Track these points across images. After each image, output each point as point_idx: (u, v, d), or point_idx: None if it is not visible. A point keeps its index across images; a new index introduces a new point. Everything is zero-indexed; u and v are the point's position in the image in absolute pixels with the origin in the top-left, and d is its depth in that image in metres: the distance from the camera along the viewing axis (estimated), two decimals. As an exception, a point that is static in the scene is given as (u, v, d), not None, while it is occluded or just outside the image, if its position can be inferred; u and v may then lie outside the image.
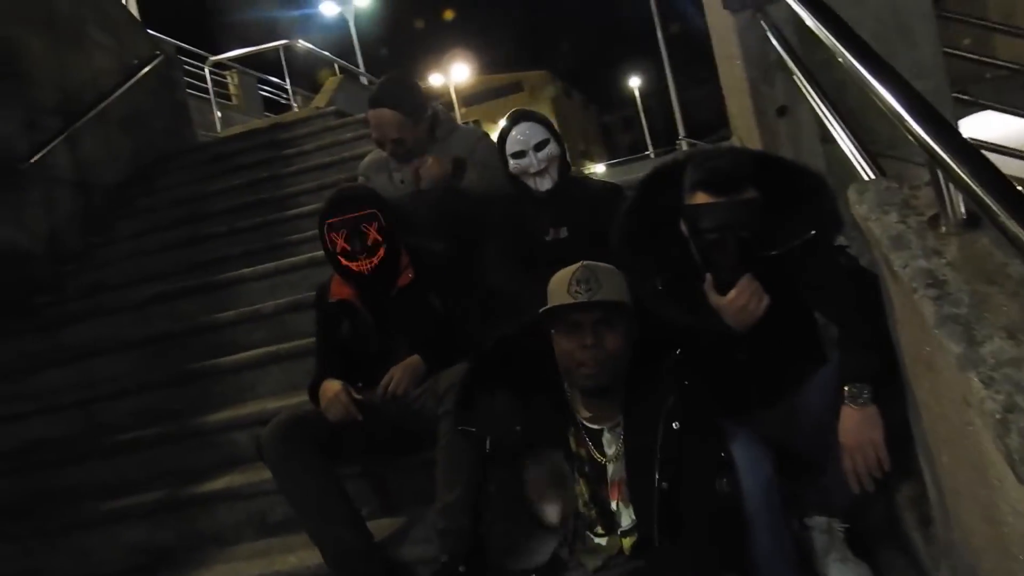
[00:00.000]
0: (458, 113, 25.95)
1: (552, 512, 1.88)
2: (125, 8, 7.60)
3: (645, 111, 38.38)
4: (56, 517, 3.11)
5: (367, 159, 3.57)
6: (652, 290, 2.14)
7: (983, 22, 4.01)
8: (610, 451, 1.97)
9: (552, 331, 1.97)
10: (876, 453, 1.84)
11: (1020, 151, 3.90)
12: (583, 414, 2.00)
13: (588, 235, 2.76)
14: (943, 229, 1.57)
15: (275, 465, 2.41)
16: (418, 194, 3.19)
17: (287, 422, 2.44)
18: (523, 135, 2.92)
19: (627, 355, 1.95)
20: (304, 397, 2.74)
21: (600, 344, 1.90)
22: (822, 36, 2.10)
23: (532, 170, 2.89)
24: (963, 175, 1.40)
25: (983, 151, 1.46)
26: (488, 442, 1.96)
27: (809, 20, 2.24)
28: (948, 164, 1.45)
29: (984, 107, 4.24)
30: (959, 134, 1.54)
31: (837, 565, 2.01)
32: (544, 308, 1.94)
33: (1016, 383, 1.21)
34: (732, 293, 2.02)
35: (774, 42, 2.95)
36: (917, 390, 1.68)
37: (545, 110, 40.32)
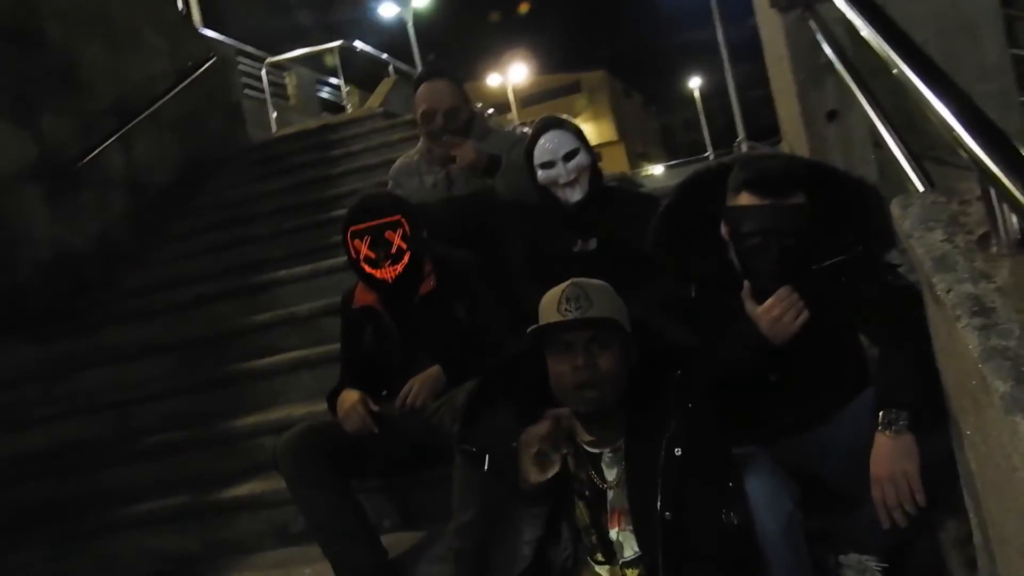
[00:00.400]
0: (515, 113, 25.87)
1: (534, 471, 1.75)
2: (179, 11, 7.70)
3: (705, 112, 37.79)
4: (85, 521, 3.13)
5: (397, 163, 3.50)
6: (684, 296, 2.07)
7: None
8: (611, 476, 1.85)
9: (545, 354, 1.86)
10: (909, 485, 1.69)
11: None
12: (583, 437, 1.88)
13: (617, 247, 2.64)
14: (993, 250, 1.42)
15: (289, 478, 2.38)
16: (448, 201, 3.12)
17: (302, 434, 2.40)
18: (552, 144, 2.77)
19: (623, 375, 1.83)
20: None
21: (593, 364, 1.79)
22: (868, 35, 1.95)
23: (561, 181, 2.75)
24: (1017, 192, 1.26)
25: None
26: (487, 460, 1.86)
27: (855, 18, 2.09)
28: (1000, 180, 1.30)
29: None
30: (1014, 146, 1.38)
31: (873, 610, 1.86)
32: (532, 328, 1.84)
33: (1069, 429, 1.07)
34: (768, 302, 1.91)
35: (823, 44, 2.80)
36: (963, 425, 1.53)
37: (604, 111, 40.15)
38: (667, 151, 47.43)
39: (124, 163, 5.98)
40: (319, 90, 12.62)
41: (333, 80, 12.42)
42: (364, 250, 2.55)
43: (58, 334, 4.46)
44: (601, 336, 1.81)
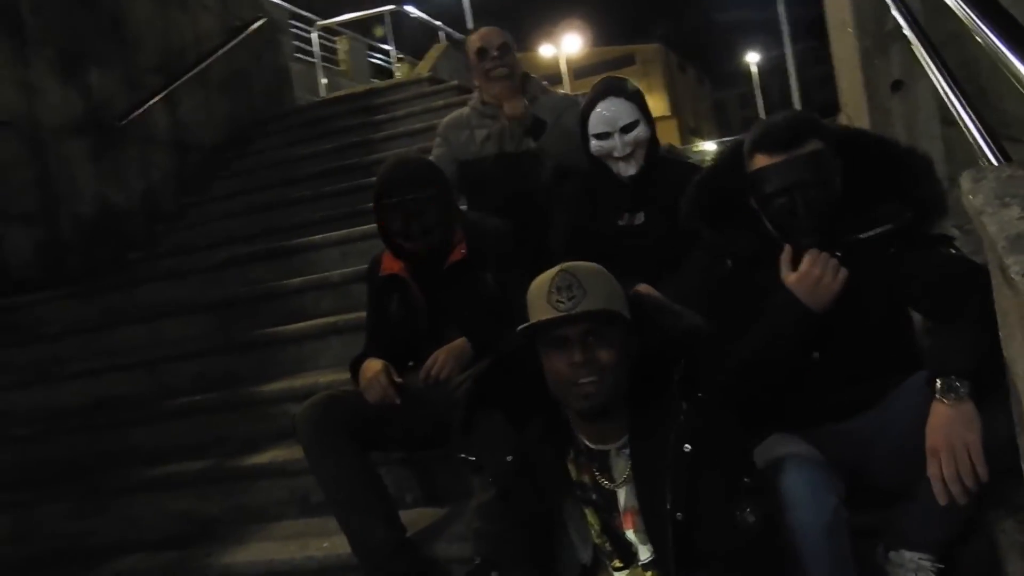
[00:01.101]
0: (568, 85, 25.52)
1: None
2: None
3: (762, 88, 36.91)
4: (110, 479, 3.11)
5: (447, 119, 3.44)
6: (720, 273, 1.95)
7: None
8: (618, 475, 1.70)
9: (539, 350, 1.68)
10: (969, 457, 1.52)
11: None
12: (587, 435, 1.73)
13: (666, 222, 2.49)
14: (1080, 229, 1.26)
15: (307, 448, 2.30)
16: (499, 156, 3.05)
17: (321, 403, 2.32)
18: (610, 112, 2.58)
19: (625, 366, 1.65)
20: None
21: (592, 359, 1.60)
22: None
23: (616, 154, 2.58)
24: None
25: None
26: (488, 472, 1.76)
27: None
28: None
29: None
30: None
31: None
32: (524, 326, 1.66)
33: None
34: (803, 266, 1.79)
35: (892, 7, 2.60)
36: (1032, 423, 1.38)
37: (657, 85, 39.48)
38: (719, 127, 46.56)
39: (169, 122, 5.99)
40: (370, 56, 12.54)
41: (384, 46, 12.32)
42: (397, 222, 2.44)
43: (97, 290, 4.47)
44: (598, 328, 1.62)
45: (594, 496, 1.71)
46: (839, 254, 1.81)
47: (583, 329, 1.61)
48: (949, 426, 1.54)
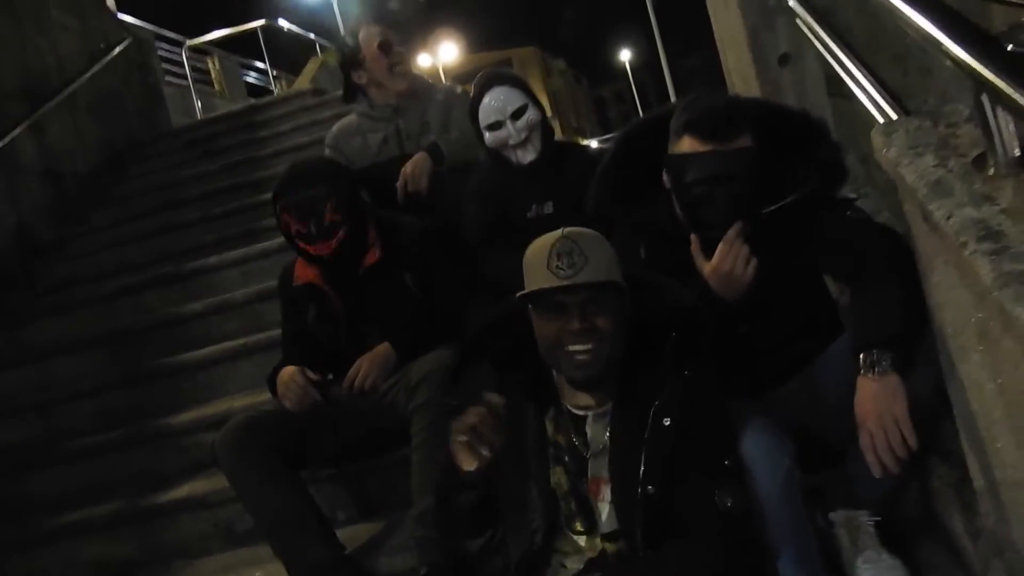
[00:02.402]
0: (448, 93, 25.52)
1: (465, 459, 1.50)
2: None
3: (636, 84, 37.94)
4: (9, 531, 2.88)
5: (334, 129, 3.31)
6: (635, 260, 1.90)
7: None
8: (593, 442, 1.68)
9: (532, 312, 1.66)
10: (899, 428, 1.54)
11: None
12: (568, 398, 1.71)
13: (575, 209, 2.48)
14: (991, 171, 1.31)
15: (231, 474, 2.18)
16: (400, 159, 2.94)
17: (243, 425, 2.20)
18: (497, 102, 2.56)
19: (621, 335, 1.63)
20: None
21: (590, 328, 1.58)
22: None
23: (512, 141, 2.56)
24: (1016, 95, 1.14)
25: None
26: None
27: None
28: (999, 87, 1.18)
29: None
30: (1008, 50, 1.26)
31: (867, 568, 1.75)
32: (523, 293, 1.63)
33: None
34: (715, 259, 1.77)
35: (775, -19, 2.68)
36: (962, 364, 1.42)
37: (536, 86, 39.67)
38: (601, 124, 47.54)
39: (38, 149, 5.62)
40: (244, 75, 12.17)
41: (258, 64, 11.99)
42: (295, 225, 2.32)
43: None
44: (597, 296, 1.60)
45: (566, 458, 1.68)
46: (753, 229, 1.80)
47: (583, 297, 1.58)
48: (876, 400, 1.55)
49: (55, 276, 4.86)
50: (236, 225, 4.63)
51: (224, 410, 2.97)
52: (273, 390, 2.33)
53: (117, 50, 6.83)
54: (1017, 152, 1.28)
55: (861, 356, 1.59)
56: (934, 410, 1.68)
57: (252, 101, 9.94)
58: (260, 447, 2.16)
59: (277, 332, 3.21)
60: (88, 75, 6.27)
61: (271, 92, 11.38)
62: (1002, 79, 1.17)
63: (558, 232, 1.62)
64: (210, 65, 11.67)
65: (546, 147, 2.61)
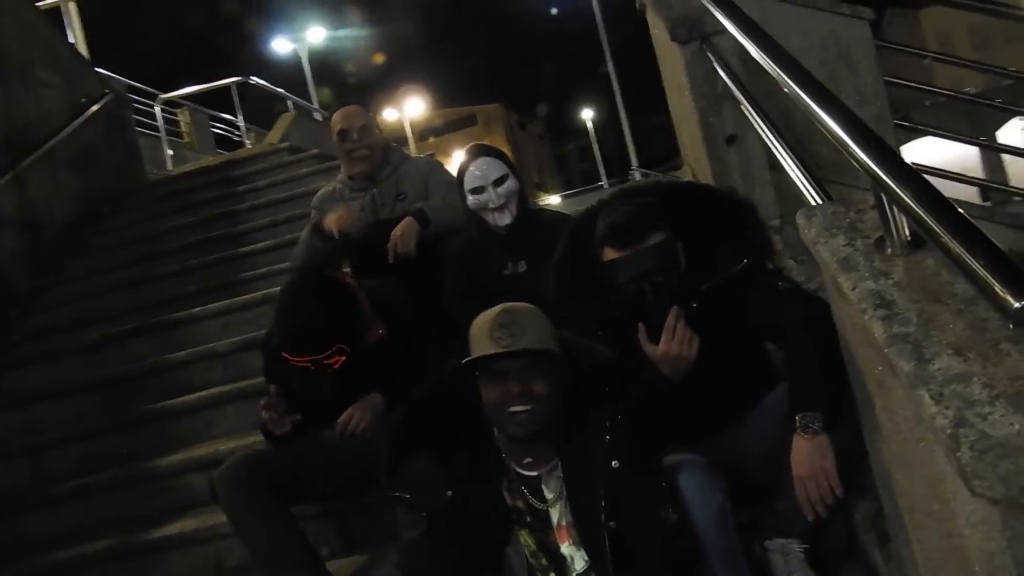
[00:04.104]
0: (413, 147, 25.97)
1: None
2: (73, 47, 7.51)
3: (599, 142, 38.85)
4: (3, 569, 3.00)
5: (320, 193, 3.59)
6: (596, 339, 2.14)
7: (922, 51, 4.14)
8: (551, 495, 1.89)
9: (478, 379, 1.87)
10: (828, 481, 1.84)
11: (961, 175, 4.04)
12: (518, 462, 1.92)
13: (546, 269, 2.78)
14: (889, 251, 1.60)
15: (229, 509, 2.34)
16: (376, 224, 3.19)
17: (241, 463, 2.38)
18: (481, 170, 2.89)
19: (558, 398, 1.87)
20: (259, 437, 2.65)
21: (529, 391, 1.81)
22: (767, 67, 2.15)
23: (491, 205, 2.87)
24: (906, 198, 1.44)
25: (925, 175, 1.50)
26: (423, 509, 1.87)
27: (754, 51, 2.29)
28: (891, 188, 1.49)
29: (925, 133, 4.39)
30: (902, 159, 1.58)
31: (798, 587, 2.01)
32: (468, 360, 1.85)
33: (964, 399, 1.24)
34: (661, 345, 1.99)
35: (721, 72, 3.02)
36: (870, 409, 1.71)
37: (500, 142, 40.66)
38: (563, 180, 48.35)
39: (17, 201, 5.78)
40: (213, 128, 12.39)
41: (227, 116, 12.22)
42: (299, 379, 2.48)
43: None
44: (534, 363, 1.83)
45: (528, 519, 1.89)
46: (694, 305, 2.06)
47: (522, 364, 1.82)
48: (810, 458, 1.85)
49: (32, 325, 4.97)
50: (215, 277, 4.81)
51: (211, 452, 3.15)
52: (266, 434, 2.51)
53: (98, 106, 7.02)
54: (908, 237, 1.58)
55: (797, 418, 1.87)
56: (856, 450, 1.96)
57: (224, 155, 10.16)
58: (257, 484, 2.33)
59: (259, 380, 3.44)
60: (68, 130, 6.46)
61: (242, 145, 11.62)
62: (896, 184, 1.48)
63: (499, 307, 1.87)
64: (181, 118, 11.91)
65: (521, 213, 2.92)
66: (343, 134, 3.37)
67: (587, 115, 41.49)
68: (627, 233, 2.04)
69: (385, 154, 3.45)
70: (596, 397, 1.89)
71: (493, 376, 1.84)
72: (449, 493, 1.84)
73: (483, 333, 1.84)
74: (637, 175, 20.88)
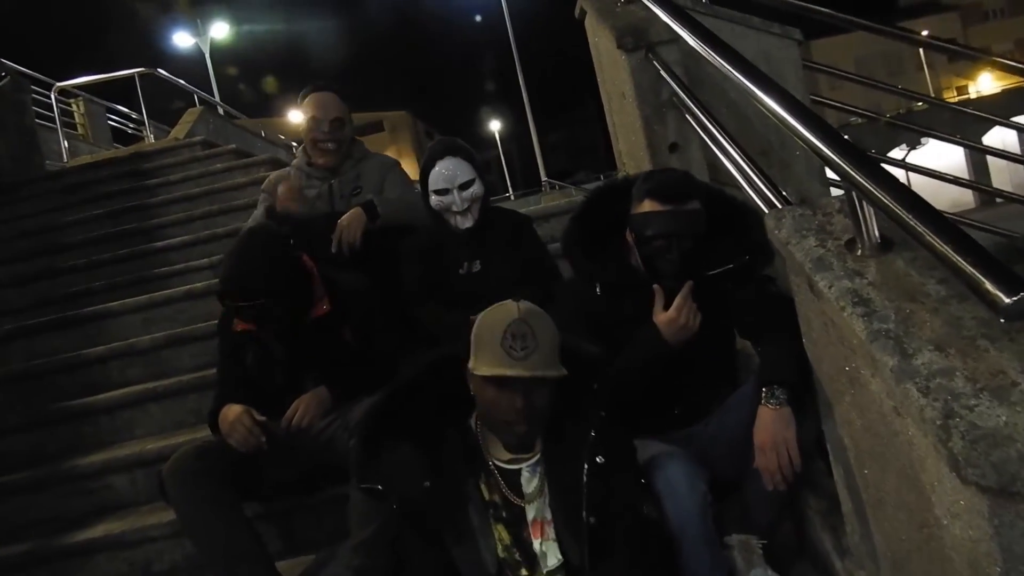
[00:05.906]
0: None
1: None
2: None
3: (505, 154, 39.15)
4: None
5: (273, 176, 3.49)
6: (591, 294, 2.26)
7: (843, 73, 4.34)
8: (529, 490, 1.87)
9: (478, 377, 1.80)
10: (788, 451, 1.91)
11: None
12: (498, 456, 1.89)
13: (499, 269, 2.78)
14: (859, 252, 1.67)
15: (180, 503, 2.23)
16: (331, 215, 3.13)
17: (194, 454, 2.28)
18: (448, 171, 2.82)
19: (552, 404, 1.85)
20: (191, 435, 2.55)
21: (532, 409, 1.78)
22: (732, 78, 2.20)
23: (455, 208, 2.82)
24: (886, 200, 1.50)
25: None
26: (395, 501, 1.81)
27: (715, 60, 2.35)
28: (870, 190, 1.55)
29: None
30: (877, 162, 1.65)
31: (760, 582, 2.07)
32: (485, 374, 1.77)
33: (951, 391, 1.30)
34: (672, 311, 2.11)
35: (669, 80, 3.08)
36: (837, 406, 1.77)
37: (407, 150, 40.46)
38: (468, 191, 48.41)
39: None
40: (109, 120, 11.84)
41: (123, 109, 11.71)
42: (241, 324, 2.47)
43: None
44: (545, 383, 1.80)
45: (504, 513, 1.87)
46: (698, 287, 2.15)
47: (530, 383, 1.77)
48: (772, 426, 1.93)
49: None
50: (126, 272, 4.61)
51: (135, 452, 2.99)
52: (213, 427, 2.43)
53: (-7, 88, 6.63)
54: (878, 239, 1.65)
55: (764, 390, 1.96)
56: (810, 454, 2.03)
57: (118, 147, 9.73)
58: (209, 476, 2.23)
59: (185, 377, 3.32)
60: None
61: (138, 138, 11.16)
62: (873, 184, 1.54)
63: (513, 309, 1.79)
64: (75, 108, 11.33)
65: (483, 216, 2.88)
66: (315, 121, 3.28)
67: (495, 127, 41.81)
68: (675, 189, 2.15)
69: (349, 147, 3.40)
70: (582, 393, 1.88)
71: (498, 384, 1.77)
72: (427, 484, 1.79)
73: (494, 338, 1.76)
74: (547, 188, 21.22)
